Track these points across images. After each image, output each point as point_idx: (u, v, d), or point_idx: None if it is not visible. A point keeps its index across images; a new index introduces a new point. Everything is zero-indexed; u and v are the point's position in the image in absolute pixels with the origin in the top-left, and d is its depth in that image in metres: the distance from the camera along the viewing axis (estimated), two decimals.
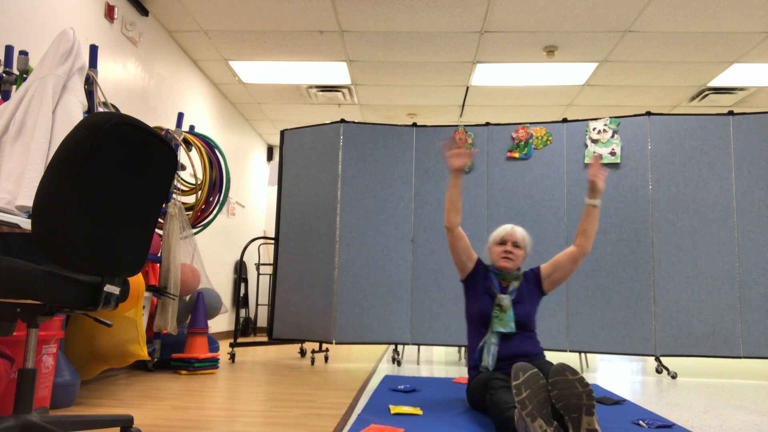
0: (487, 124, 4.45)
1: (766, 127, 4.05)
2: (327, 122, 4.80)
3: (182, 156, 4.13)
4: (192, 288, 3.74)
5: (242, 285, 7.31)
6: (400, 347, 5.46)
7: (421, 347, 6.05)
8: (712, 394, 3.15)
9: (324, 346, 5.88)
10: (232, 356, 4.33)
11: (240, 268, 5.37)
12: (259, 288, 7.82)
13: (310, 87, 6.04)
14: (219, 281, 6.45)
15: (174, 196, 3.74)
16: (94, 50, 2.97)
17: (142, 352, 2.91)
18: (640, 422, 2.21)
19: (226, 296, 6.72)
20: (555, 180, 4.26)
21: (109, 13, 3.97)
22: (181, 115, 4.04)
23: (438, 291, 4.29)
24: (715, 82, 5.70)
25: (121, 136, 1.51)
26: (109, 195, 1.52)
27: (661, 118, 4.18)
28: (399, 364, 4.32)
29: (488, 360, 2.40)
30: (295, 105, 6.63)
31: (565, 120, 4.34)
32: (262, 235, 8.16)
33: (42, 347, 2.15)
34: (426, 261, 4.33)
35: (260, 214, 8.11)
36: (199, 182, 3.99)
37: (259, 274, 7.77)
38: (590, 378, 3.79)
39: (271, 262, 7.60)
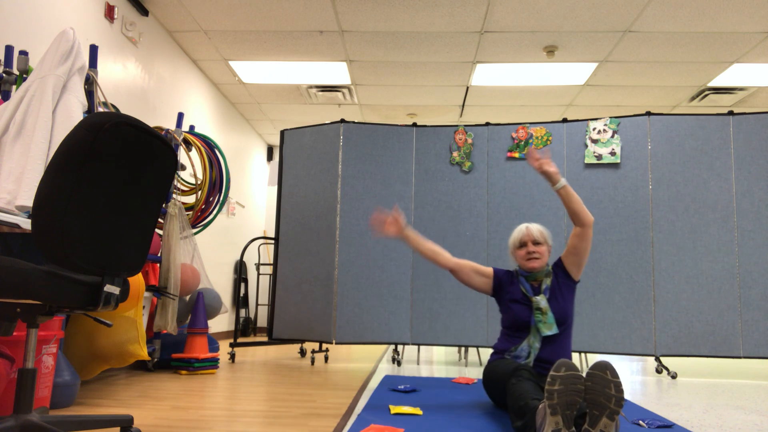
0: (487, 124, 4.45)
1: (766, 127, 4.05)
2: (327, 122, 4.80)
3: (182, 156, 4.13)
4: (192, 288, 3.74)
5: (242, 285, 7.31)
6: (400, 347, 5.46)
7: (421, 347, 6.05)
8: (712, 394, 3.15)
9: (324, 346, 5.88)
10: (232, 356, 4.33)
11: (240, 268, 5.37)
12: (259, 288, 7.82)
13: (310, 87, 6.04)
14: (219, 281, 6.45)
15: (174, 196, 3.74)
16: (94, 50, 2.97)
17: (142, 352, 2.91)
18: (640, 422, 2.21)
19: (226, 296, 6.72)
20: None
21: (109, 13, 3.97)
22: (181, 115, 4.04)
23: (438, 291, 4.28)
24: (715, 82, 5.70)
25: (121, 136, 1.51)
26: (109, 195, 1.52)
27: (661, 118, 4.18)
28: (399, 364, 4.32)
29: (531, 360, 2.42)
30: (295, 105, 6.63)
31: (565, 120, 4.34)
32: (262, 235, 8.16)
33: (42, 347, 2.15)
34: (426, 261, 4.33)
35: (260, 214, 8.11)
36: (199, 182, 3.99)
37: (259, 274, 7.77)
38: None
39: (271, 262, 7.60)
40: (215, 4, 4.42)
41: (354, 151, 4.41)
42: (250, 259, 7.74)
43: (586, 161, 4.23)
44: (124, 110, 4.21)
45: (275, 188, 8.15)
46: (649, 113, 4.19)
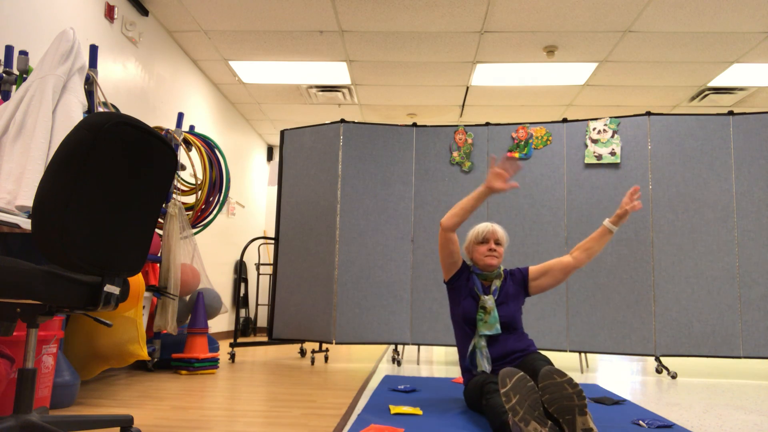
0: (487, 124, 4.45)
1: (766, 127, 4.05)
2: (327, 122, 4.80)
3: (182, 156, 4.13)
4: (192, 288, 3.74)
5: (242, 285, 7.31)
6: (400, 347, 5.46)
7: (421, 347, 6.05)
8: (712, 394, 3.15)
9: (324, 346, 5.88)
10: (232, 356, 4.33)
11: (240, 268, 5.37)
12: (259, 288, 7.82)
13: (310, 87, 6.04)
14: (219, 281, 6.45)
15: (174, 196, 3.74)
16: (94, 50, 2.97)
17: (142, 352, 2.91)
18: (640, 422, 2.21)
19: (226, 296, 6.72)
20: (555, 180, 4.26)
21: (109, 13, 3.97)
22: (181, 115, 4.04)
23: (438, 291, 4.28)
24: (715, 82, 5.70)
25: (121, 136, 1.51)
26: (109, 195, 1.52)
27: (661, 118, 4.18)
28: (399, 364, 4.32)
29: (483, 364, 2.40)
30: (295, 105, 6.63)
31: (565, 120, 4.34)
32: (262, 235, 8.16)
33: (42, 347, 2.15)
34: (426, 261, 4.33)
35: (260, 214, 8.11)
36: (199, 182, 3.99)
37: (259, 274, 7.77)
38: (590, 378, 3.79)
39: (271, 262, 7.60)
40: (215, 4, 4.42)
41: (354, 151, 4.41)
42: (250, 259, 7.74)
43: (586, 161, 4.23)
44: (124, 110, 4.21)
45: (275, 188, 8.15)
46: (649, 113, 4.19)
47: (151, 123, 4.60)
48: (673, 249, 4.02)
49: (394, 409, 2.38)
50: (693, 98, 6.13)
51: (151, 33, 4.61)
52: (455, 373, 3.92)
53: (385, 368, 4.09)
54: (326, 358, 4.57)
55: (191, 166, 3.93)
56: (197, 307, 3.75)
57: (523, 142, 4.35)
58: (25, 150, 2.20)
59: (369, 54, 5.21)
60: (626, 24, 4.58)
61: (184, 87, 5.33)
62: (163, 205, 2.99)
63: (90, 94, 2.82)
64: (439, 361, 4.73)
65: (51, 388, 2.25)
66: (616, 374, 4.04)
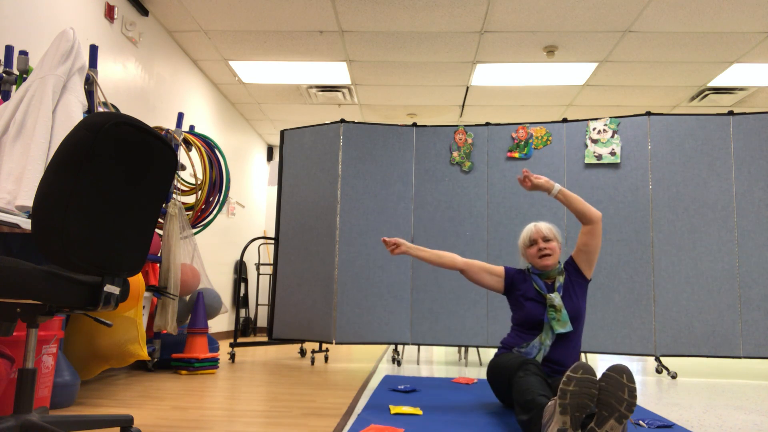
0: (487, 124, 4.45)
1: (766, 127, 4.05)
2: (327, 122, 4.80)
3: (182, 156, 4.13)
4: (192, 288, 3.74)
5: (242, 285, 7.31)
6: (400, 347, 5.46)
7: (421, 347, 6.05)
8: (712, 394, 3.15)
9: (324, 346, 5.88)
10: (232, 356, 4.33)
11: (240, 268, 5.37)
12: (259, 288, 7.82)
13: (310, 87, 6.04)
14: (219, 281, 6.45)
15: (174, 196, 3.74)
16: (94, 50, 2.97)
17: (142, 352, 2.91)
18: (640, 422, 2.21)
19: (226, 296, 6.72)
20: (555, 180, 4.25)
21: (109, 13, 3.97)
22: (181, 115, 4.04)
23: (438, 291, 4.28)
24: (715, 82, 5.70)
25: (121, 136, 1.51)
26: (109, 195, 1.52)
27: (661, 118, 4.18)
28: (399, 364, 4.32)
29: (540, 358, 2.42)
30: (295, 105, 6.63)
31: (565, 120, 4.34)
32: (262, 235, 8.16)
33: (42, 347, 2.15)
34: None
35: (260, 214, 8.11)
36: (199, 182, 3.99)
37: (259, 274, 7.77)
38: None
39: (271, 262, 7.60)
40: (215, 4, 4.42)
41: (354, 151, 4.41)
42: (250, 259, 7.74)
43: (586, 161, 4.23)
44: (124, 110, 4.21)
45: (275, 188, 8.14)
46: (649, 113, 4.19)
47: (151, 123, 4.60)
48: (673, 249, 4.02)
49: (394, 409, 2.38)
50: (693, 98, 6.13)
51: (151, 33, 4.61)
52: (455, 373, 3.92)
53: (385, 368, 4.09)
54: (326, 358, 4.57)
55: (191, 166, 3.93)
56: (197, 307, 3.75)
57: (523, 142, 4.35)
58: (25, 150, 2.20)
59: (369, 54, 5.21)
60: (626, 24, 4.58)
61: (184, 87, 5.33)
62: (163, 205, 2.99)
63: (90, 94, 2.82)
64: (439, 361, 4.73)
65: (51, 388, 2.25)
66: None
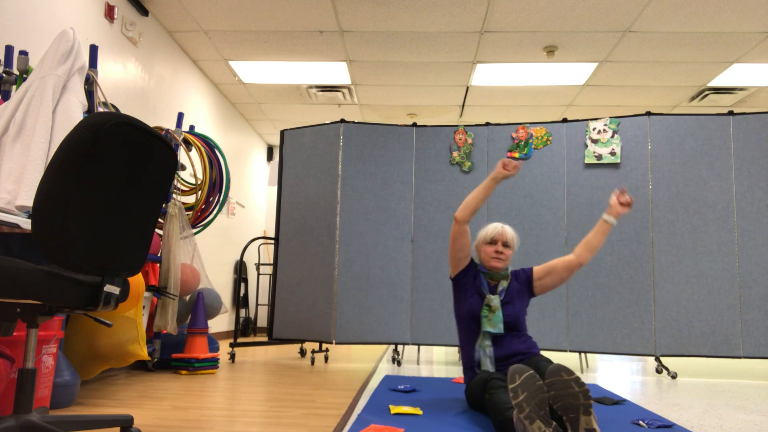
0: (487, 124, 4.45)
1: (766, 127, 4.05)
2: (327, 122, 4.80)
3: (182, 156, 4.13)
4: (192, 288, 3.74)
5: (242, 285, 7.31)
6: (400, 347, 5.46)
7: (421, 347, 6.05)
8: (712, 394, 3.15)
9: (324, 346, 5.88)
10: (232, 356, 4.33)
11: (240, 268, 5.37)
12: (259, 288, 7.82)
13: (310, 87, 6.04)
14: (219, 281, 6.45)
15: (174, 196, 3.74)
16: (94, 50, 2.97)
17: (142, 352, 2.91)
18: (640, 422, 2.21)
19: (226, 296, 6.72)
20: (555, 180, 4.26)
21: (109, 13, 3.97)
22: (181, 115, 4.04)
23: (438, 291, 4.28)
24: (715, 82, 5.70)
25: (121, 136, 1.51)
26: (109, 195, 1.52)
27: (661, 118, 4.18)
28: (399, 364, 4.32)
29: (487, 364, 2.41)
30: (295, 105, 6.63)
31: (565, 120, 4.34)
32: (262, 235, 8.16)
33: (42, 347, 2.15)
34: (426, 261, 4.33)
35: (260, 214, 8.11)
36: (199, 182, 3.99)
37: (259, 274, 7.77)
38: (590, 378, 3.79)
39: (271, 262, 7.60)
40: (215, 4, 4.42)
41: (354, 151, 4.41)
42: (250, 259, 7.74)
43: (586, 161, 4.23)
44: (124, 110, 4.21)
45: (275, 188, 8.15)
46: (649, 113, 4.19)
47: (151, 123, 4.60)
48: (673, 249, 4.02)
49: (394, 409, 2.38)
50: (693, 98, 6.13)
51: (151, 33, 4.61)
52: (455, 373, 3.92)
53: (385, 368, 4.09)
54: (326, 358, 4.57)
55: (191, 166, 3.93)
56: (197, 307, 3.75)
57: (523, 142, 4.35)
58: (25, 150, 2.20)
59: (369, 54, 5.21)
60: (626, 24, 4.58)
61: (184, 87, 5.33)
62: (163, 205, 2.99)
63: (90, 94, 2.82)
64: (439, 361, 4.73)
65: (51, 388, 2.25)
66: (616, 374, 4.04)
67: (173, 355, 3.61)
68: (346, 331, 4.21)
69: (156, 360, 3.67)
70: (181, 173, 4.76)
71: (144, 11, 4.42)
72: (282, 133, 4.75)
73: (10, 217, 1.93)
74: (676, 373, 3.94)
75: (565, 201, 4.22)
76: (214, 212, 4.09)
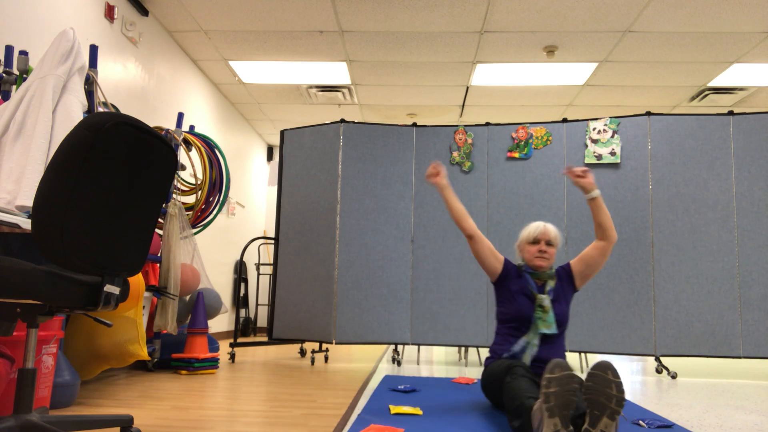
0: (487, 124, 4.45)
1: (766, 127, 4.05)
2: (327, 122, 4.80)
3: (182, 156, 4.13)
4: (192, 288, 3.74)
5: (242, 285, 7.31)
6: (400, 347, 5.46)
7: (421, 347, 6.05)
8: (712, 394, 3.15)
9: (324, 346, 5.88)
10: (232, 356, 4.33)
11: (240, 268, 5.38)
12: (259, 288, 7.82)
13: (310, 87, 6.04)
14: (219, 281, 6.45)
15: (174, 196, 3.74)
16: (94, 50, 2.97)
17: (142, 352, 2.91)
18: (640, 422, 2.21)
19: (226, 296, 6.72)
20: (555, 180, 4.26)
21: (109, 13, 3.97)
22: (181, 115, 4.04)
23: (438, 291, 4.28)
24: (715, 82, 5.70)
25: (121, 136, 1.51)
26: (109, 195, 1.52)
27: (661, 118, 4.18)
28: (399, 364, 4.32)
29: (528, 360, 2.42)
30: (295, 105, 6.63)
31: (565, 120, 4.34)
32: (262, 235, 8.16)
33: (42, 347, 2.15)
34: (426, 261, 4.33)
35: (260, 214, 8.11)
36: (199, 182, 3.99)
37: (259, 274, 7.77)
38: None
39: (271, 262, 7.60)
40: (215, 4, 4.42)
41: (354, 151, 4.41)
42: (250, 259, 7.74)
43: (586, 161, 4.23)
44: (124, 110, 4.21)
45: (275, 188, 8.14)
46: (649, 113, 4.19)
47: (151, 123, 4.60)
48: (673, 249, 4.02)
49: (394, 409, 2.38)
50: (693, 98, 6.13)
51: (151, 33, 4.61)
52: (455, 373, 3.92)
53: (385, 368, 4.09)
54: (326, 358, 4.57)
55: (191, 166, 3.93)
56: (197, 307, 3.75)
57: (523, 142, 4.35)
58: (25, 150, 2.20)
59: (369, 54, 5.21)
60: (626, 24, 4.58)
61: (184, 87, 5.33)
62: (163, 205, 2.99)
63: (90, 94, 2.82)
64: (439, 361, 4.73)
65: (51, 388, 2.25)
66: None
67: (173, 355, 3.61)
68: (346, 331, 4.21)
69: (156, 360, 3.67)
70: (181, 173, 4.76)
71: (144, 11, 4.42)
72: (282, 133, 4.75)
73: (10, 217, 1.93)
74: (676, 373, 3.94)
75: (565, 201, 4.22)
76: (214, 212, 4.09)
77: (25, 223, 1.96)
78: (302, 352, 4.96)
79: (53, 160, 1.42)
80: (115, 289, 1.63)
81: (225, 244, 6.62)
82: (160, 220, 3.69)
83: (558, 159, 4.28)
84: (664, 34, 4.76)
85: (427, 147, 4.47)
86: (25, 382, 1.59)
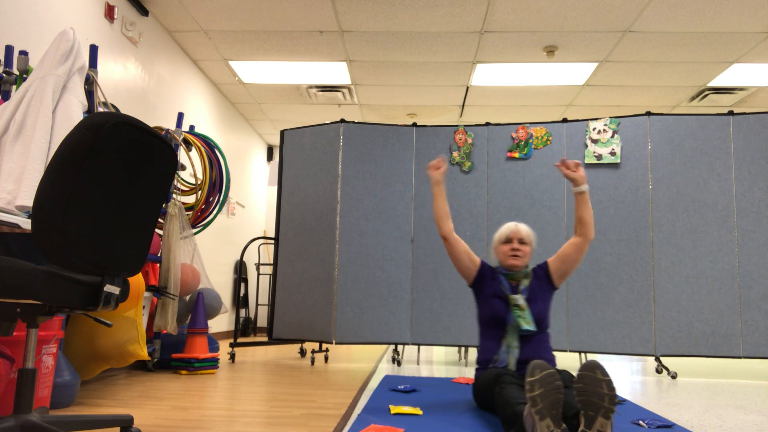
0: (487, 124, 4.45)
1: (766, 127, 4.05)
2: (327, 122, 4.80)
3: (182, 156, 4.13)
4: (192, 288, 3.74)
5: (242, 285, 7.31)
6: (400, 347, 5.46)
7: (421, 347, 6.05)
8: (712, 394, 3.15)
9: (324, 346, 5.88)
10: (232, 356, 4.33)
11: (240, 268, 5.38)
12: (259, 288, 7.82)
13: (310, 87, 6.04)
14: (219, 281, 6.45)
15: (174, 196, 3.74)
16: (94, 50, 2.97)
17: (142, 352, 2.91)
18: (640, 422, 2.21)
19: (226, 296, 6.72)
20: (555, 180, 4.26)
21: (109, 13, 3.97)
22: (181, 115, 4.04)
23: (438, 291, 4.28)
24: (715, 82, 5.70)
25: (121, 136, 1.51)
26: (109, 195, 1.52)
27: (661, 118, 4.18)
28: (399, 364, 4.32)
29: (512, 362, 2.41)
30: (295, 105, 6.63)
31: (565, 120, 4.34)
32: (262, 235, 8.16)
33: (42, 347, 2.15)
34: (426, 261, 4.33)
35: (260, 214, 8.11)
36: (199, 182, 3.99)
37: (259, 274, 7.77)
38: None
39: (271, 262, 7.60)
40: (215, 4, 4.42)
41: (354, 151, 4.41)
42: (250, 259, 7.74)
43: (586, 161, 4.23)
44: (124, 110, 4.21)
45: (275, 188, 8.14)
46: (649, 113, 4.19)
47: (151, 123, 4.60)
48: (673, 249, 4.02)
49: (394, 409, 2.38)
50: (693, 98, 6.13)
51: (151, 33, 4.61)
52: (455, 373, 3.92)
53: (385, 368, 4.09)
54: (326, 358, 4.57)
55: (191, 166, 3.93)
56: (197, 307, 3.75)
57: (523, 142, 4.35)
58: (25, 150, 2.20)
59: (369, 54, 5.21)
60: (626, 24, 4.58)
61: (184, 87, 5.33)
62: (163, 205, 2.99)
63: (90, 94, 2.82)
64: (439, 361, 4.73)
65: (51, 388, 2.25)
66: (616, 374, 4.04)
67: (173, 355, 3.61)
68: (346, 331, 4.21)
69: (156, 360, 3.67)
70: (181, 173, 4.76)
71: (144, 11, 4.42)
72: (282, 133, 4.75)
73: (10, 217, 1.93)
74: (676, 373, 3.94)
75: (565, 201, 4.22)
76: (214, 212, 4.09)
77: (25, 223, 1.96)
78: (302, 352, 4.96)
79: (53, 160, 1.42)
80: (115, 289, 1.63)
81: (225, 244, 6.62)
82: (160, 220, 3.69)
83: (558, 159, 4.28)
84: (664, 34, 4.76)
85: (427, 147, 4.47)
86: (25, 382, 1.59)
